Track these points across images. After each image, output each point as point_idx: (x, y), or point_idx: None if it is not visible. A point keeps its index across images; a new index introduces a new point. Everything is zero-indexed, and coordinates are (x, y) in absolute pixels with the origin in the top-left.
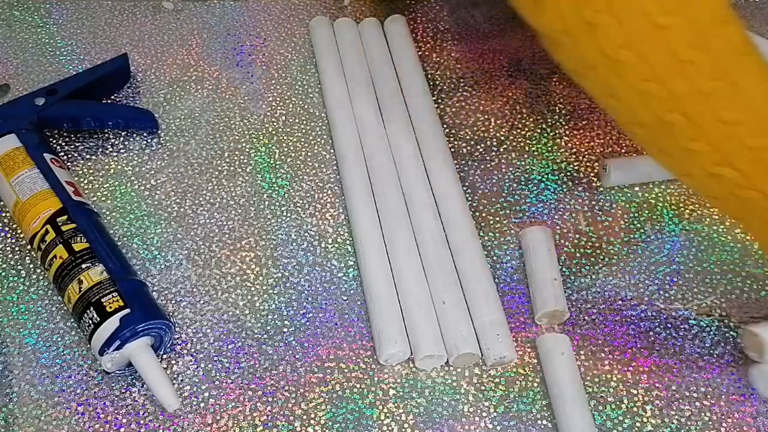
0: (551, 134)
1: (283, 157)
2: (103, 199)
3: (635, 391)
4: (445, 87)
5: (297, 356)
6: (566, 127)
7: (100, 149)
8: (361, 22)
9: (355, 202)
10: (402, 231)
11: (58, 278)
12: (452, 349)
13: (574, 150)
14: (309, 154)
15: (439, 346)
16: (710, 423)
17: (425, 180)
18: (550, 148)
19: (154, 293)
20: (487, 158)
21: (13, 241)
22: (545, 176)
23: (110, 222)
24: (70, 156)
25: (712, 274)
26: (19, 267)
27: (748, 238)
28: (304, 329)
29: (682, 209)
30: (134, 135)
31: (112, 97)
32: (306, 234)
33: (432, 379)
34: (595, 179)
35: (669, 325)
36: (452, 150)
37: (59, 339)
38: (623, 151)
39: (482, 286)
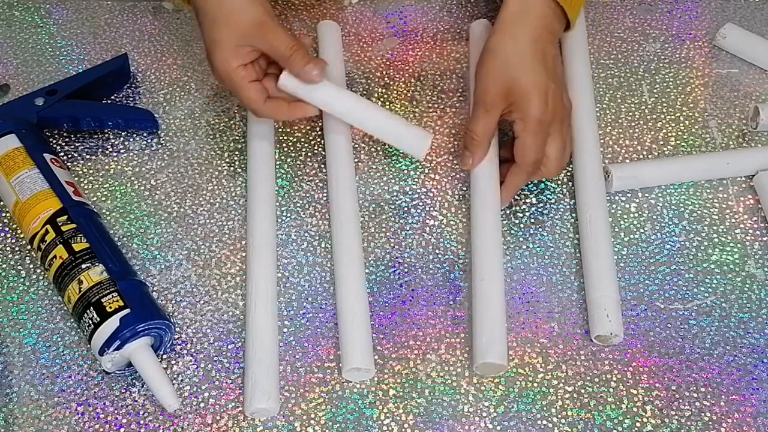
0: None
1: (283, 157)
2: (103, 199)
3: (635, 391)
4: (445, 87)
5: (297, 356)
6: None
7: (100, 149)
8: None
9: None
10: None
11: (58, 278)
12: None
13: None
14: (309, 154)
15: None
16: (710, 423)
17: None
18: None
19: (154, 293)
20: None
21: (13, 241)
22: None
23: (110, 222)
24: (70, 156)
25: (712, 274)
26: (19, 267)
27: (748, 238)
28: (304, 329)
29: (682, 209)
30: (134, 135)
31: (112, 97)
32: (306, 234)
33: (432, 379)
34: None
35: (669, 325)
36: (452, 151)
37: (59, 339)
38: (623, 151)
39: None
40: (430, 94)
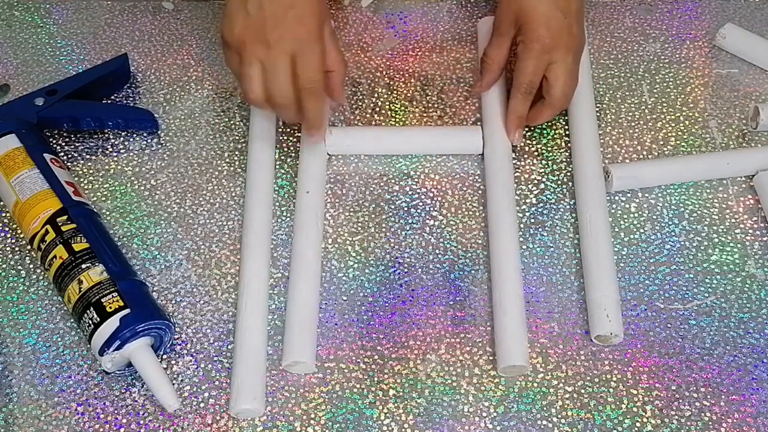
0: (551, 134)
1: (283, 157)
2: (103, 199)
3: (635, 391)
4: (444, 87)
5: None
6: (566, 127)
7: (100, 149)
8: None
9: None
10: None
11: (58, 278)
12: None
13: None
14: None
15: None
16: (710, 423)
17: None
18: (550, 148)
19: (154, 293)
20: None
21: (13, 241)
22: (545, 176)
23: (110, 222)
24: (70, 156)
25: (712, 274)
26: (19, 267)
27: (748, 238)
28: None
29: (682, 209)
30: (134, 135)
31: (112, 97)
32: None
33: (432, 379)
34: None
35: (669, 325)
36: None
37: (59, 339)
38: (623, 151)
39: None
40: (430, 94)
